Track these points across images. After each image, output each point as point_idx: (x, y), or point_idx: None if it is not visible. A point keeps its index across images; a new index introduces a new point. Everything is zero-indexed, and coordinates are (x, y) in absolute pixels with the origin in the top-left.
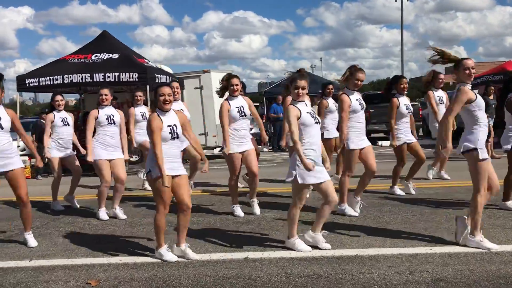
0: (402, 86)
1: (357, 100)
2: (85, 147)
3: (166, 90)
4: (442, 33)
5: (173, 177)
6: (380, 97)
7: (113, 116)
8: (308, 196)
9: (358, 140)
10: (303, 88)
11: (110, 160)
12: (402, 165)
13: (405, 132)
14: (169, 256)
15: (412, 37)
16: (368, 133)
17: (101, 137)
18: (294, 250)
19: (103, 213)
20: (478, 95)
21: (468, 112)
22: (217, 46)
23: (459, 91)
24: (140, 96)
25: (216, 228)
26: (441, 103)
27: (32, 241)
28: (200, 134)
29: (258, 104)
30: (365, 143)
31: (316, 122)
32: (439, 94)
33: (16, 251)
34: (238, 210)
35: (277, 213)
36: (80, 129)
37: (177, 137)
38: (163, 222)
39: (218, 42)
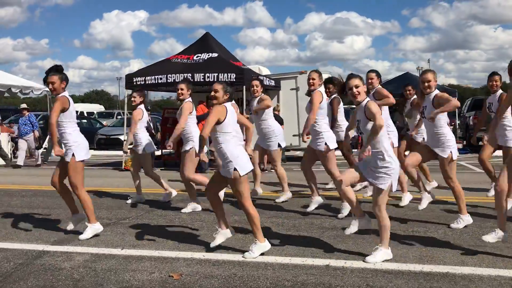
0: (490, 83)
1: None
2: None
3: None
4: None
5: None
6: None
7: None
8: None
9: None
10: (356, 87)
11: None
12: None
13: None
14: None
15: None
16: (477, 140)
17: None
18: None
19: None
20: None
21: None
22: (318, 48)
23: None
24: None
25: (300, 232)
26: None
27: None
28: (294, 135)
29: None
30: None
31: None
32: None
33: (111, 239)
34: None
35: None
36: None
37: None
38: None
39: (319, 44)
